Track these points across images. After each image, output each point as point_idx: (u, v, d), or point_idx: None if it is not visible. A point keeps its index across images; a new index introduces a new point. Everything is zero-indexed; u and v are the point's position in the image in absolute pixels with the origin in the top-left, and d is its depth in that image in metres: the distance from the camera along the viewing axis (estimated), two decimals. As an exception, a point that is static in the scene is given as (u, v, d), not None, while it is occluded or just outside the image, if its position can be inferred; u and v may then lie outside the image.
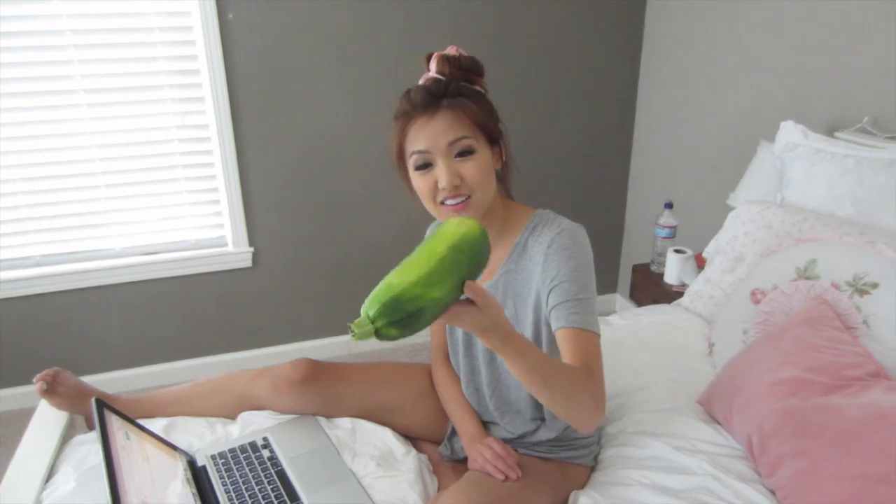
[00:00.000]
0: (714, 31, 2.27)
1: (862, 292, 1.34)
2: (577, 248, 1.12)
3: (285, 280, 2.57)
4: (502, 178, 1.24)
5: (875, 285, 1.33)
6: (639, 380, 1.51)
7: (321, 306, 2.64)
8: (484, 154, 1.13)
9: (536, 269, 1.15)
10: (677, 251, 2.11)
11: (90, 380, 2.42)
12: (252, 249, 2.47)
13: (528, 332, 1.20)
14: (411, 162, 1.13)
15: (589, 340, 1.06)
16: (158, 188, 2.32)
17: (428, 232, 1.39)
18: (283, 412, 1.39)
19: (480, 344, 1.31)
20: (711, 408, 1.38)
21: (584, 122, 2.70)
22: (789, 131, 1.80)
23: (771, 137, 1.89)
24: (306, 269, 2.58)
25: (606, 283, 3.01)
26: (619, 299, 2.99)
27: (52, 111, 2.13)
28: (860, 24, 1.76)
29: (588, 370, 1.02)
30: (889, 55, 1.69)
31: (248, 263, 2.50)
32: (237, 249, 2.46)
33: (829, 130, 1.82)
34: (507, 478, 1.16)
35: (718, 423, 1.35)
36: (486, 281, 1.23)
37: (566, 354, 1.05)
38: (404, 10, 2.32)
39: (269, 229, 2.48)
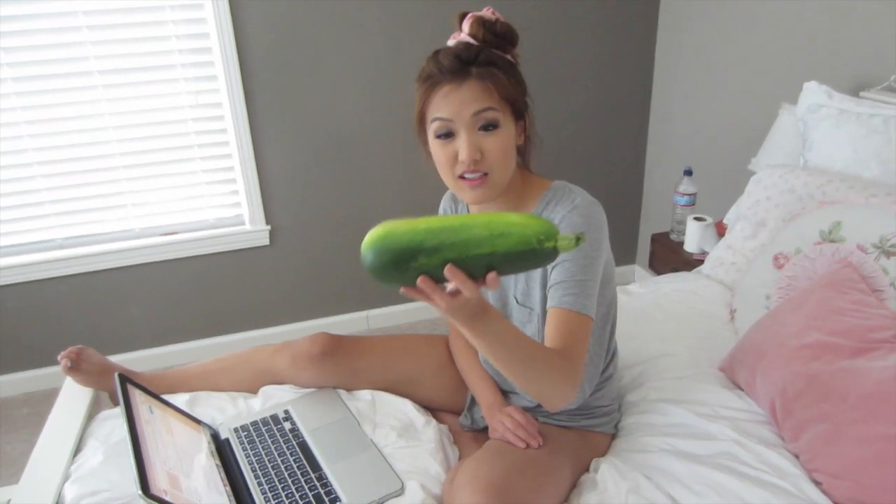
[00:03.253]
0: (733, -8, 2.21)
1: (889, 254, 1.31)
2: (586, 227, 1.10)
3: (303, 257, 2.58)
4: (523, 151, 1.21)
5: (902, 246, 1.29)
6: (660, 347, 1.50)
7: (339, 283, 2.65)
8: (508, 129, 1.09)
9: None
10: (697, 219, 2.08)
11: (114, 360, 2.50)
12: (269, 227, 2.48)
13: (537, 308, 1.19)
14: (432, 128, 1.09)
15: (578, 323, 1.05)
16: (175, 168, 2.33)
17: (442, 204, 1.38)
18: (303, 386, 1.40)
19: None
20: (734, 373, 1.37)
21: (601, 89, 2.65)
22: (813, 92, 1.75)
23: (793, 99, 1.84)
24: (323, 245, 2.59)
25: (625, 255, 2.98)
26: (639, 270, 2.96)
27: (67, 94, 2.14)
28: (886, -22, 1.70)
29: (567, 352, 1.01)
30: (917, 9, 1.63)
31: (266, 241, 2.51)
32: (254, 228, 2.46)
33: (855, 90, 1.77)
34: (528, 445, 1.16)
35: (741, 389, 1.33)
36: None
37: (550, 333, 1.04)
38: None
39: (285, 207, 2.48)
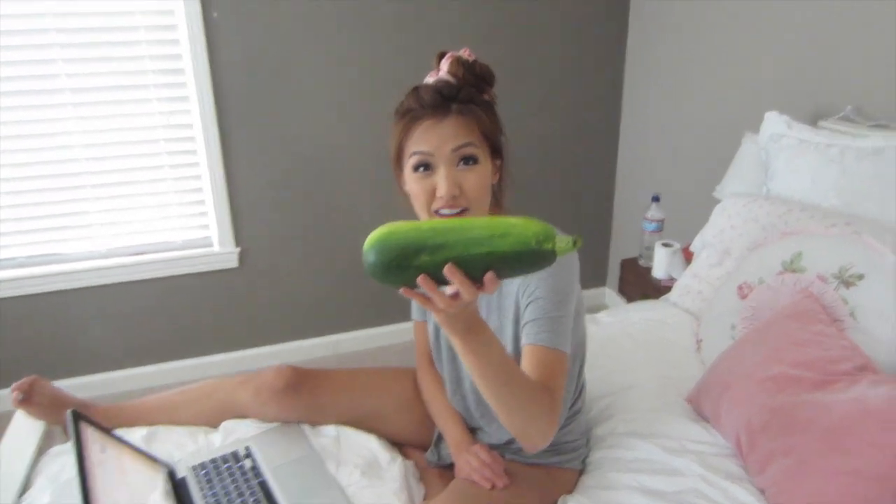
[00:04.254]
0: (698, 24, 2.25)
1: (848, 284, 1.33)
2: (558, 265, 1.10)
3: (272, 280, 2.54)
4: (496, 190, 1.20)
5: (861, 276, 1.32)
6: (628, 378, 1.50)
7: (308, 307, 2.62)
8: (486, 166, 1.09)
9: (517, 284, 1.13)
10: (665, 245, 2.10)
11: (76, 382, 2.44)
12: (238, 250, 2.44)
13: (509, 346, 1.18)
14: (411, 162, 1.08)
15: (554, 359, 1.05)
16: (144, 188, 2.29)
17: None
18: (266, 420, 1.36)
19: None
20: (700, 405, 1.37)
21: (571, 117, 2.68)
22: (773, 122, 1.78)
23: (756, 128, 1.87)
24: (293, 269, 2.56)
25: (595, 278, 3.00)
26: (609, 292, 2.98)
27: (37, 110, 2.10)
28: (842, 13, 1.75)
29: (548, 388, 1.00)
30: (871, 43, 1.68)
31: (235, 264, 2.47)
32: (223, 250, 2.43)
33: (814, 120, 1.81)
34: (494, 486, 1.14)
35: (707, 421, 1.34)
36: None
37: (527, 371, 1.03)
38: (395, 11, 2.29)
39: (255, 229, 2.45)
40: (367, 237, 0.78)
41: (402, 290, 0.79)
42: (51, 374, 2.37)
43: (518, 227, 0.76)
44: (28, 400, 1.33)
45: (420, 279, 0.77)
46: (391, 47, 2.31)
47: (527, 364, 1.05)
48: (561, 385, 1.05)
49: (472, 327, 0.85)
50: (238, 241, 2.44)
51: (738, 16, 2.08)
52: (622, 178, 2.82)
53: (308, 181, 2.45)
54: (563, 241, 0.77)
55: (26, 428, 1.34)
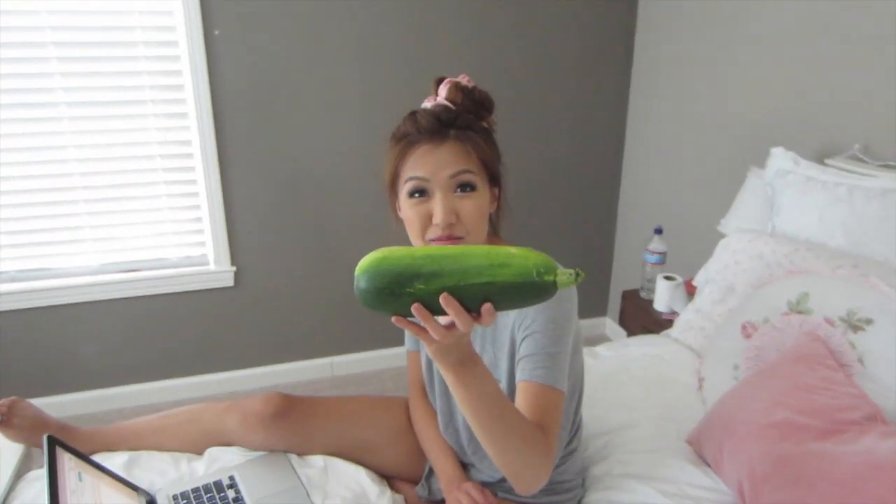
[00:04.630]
0: (704, 57, 2.25)
1: (856, 328, 1.29)
2: (556, 298, 1.07)
3: (268, 300, 2.51)
4: (493, 219, 1.18)
5: (869, 321, 1.28)
6: (627, 416, 1.45)
7: (304, 327, 2.58)
8: (484, 193, 1.07)
9: (513, 316, 1.10)
10: (667, 278, 2.06)
11: (67, 399, 2.40)
12: (234, 269, 2.41)
13: (503, 380, 1.15)
14: (406, 188, 1.06)
15: (550, 398, 1.01)
16: (139, 204, 2.27)
17: None
18: (253, 448, 1.32)
19: None
20: (701, 448, 1.33)
21: (574, 146, 2.66)
22: (780, 158, 1.76)
23: (761, 163, 1.85)
24: (289, 289, 2.52)
25: (596, 308, 2.96)
26: (609, 322, 2.94)
27: (33, 124, 2.08)
28: (851, 50, 1.73)
29: (542, 428, 0.96)
30: (880, 81, 1.66)
31: (231, 283, 2.44)
32: (219, 268, 2.39)
33: (820, 157, 1.79)
34: (484, 525, 1.10)
35: (708, 465, 1.29)
36: None
37: (521, 409, 0.99)
38: (397, 30, 2.28)
39: (252, 248, 2.42)
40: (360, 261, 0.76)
41: (394, 319, 0.76)
42: (42, 390, 2.36)
43: (518, 257, 0.74)
44: (6, 422, 1.28)
45: (414, 308, 0.74)
46: (392, 68, 2.30)
47: (521, 402, 1.02)
48: (556, 425, 1.01)
49: (465, 360, 0.82)
50: (234, 260, 2.41)
51: (745, 48, 2.07)
52: (625, 209, 2.79)
53: (306, 201, 2.42)
54: (564, 273, 0.74)
55: (4, 451, 1.29)
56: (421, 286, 0.73)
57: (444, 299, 0.73)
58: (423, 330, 0.76)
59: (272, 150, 2.32)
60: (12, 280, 2.23)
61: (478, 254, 0.74)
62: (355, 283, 0.75)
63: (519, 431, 0.91)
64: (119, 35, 2.06)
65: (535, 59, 2.48)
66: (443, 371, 0.83)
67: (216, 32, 2.11)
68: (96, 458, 1.30)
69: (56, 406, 2.36)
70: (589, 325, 2.93)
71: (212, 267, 2.39)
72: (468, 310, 0.75)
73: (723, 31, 2.15)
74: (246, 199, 2.35)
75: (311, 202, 2.43)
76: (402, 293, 0.74)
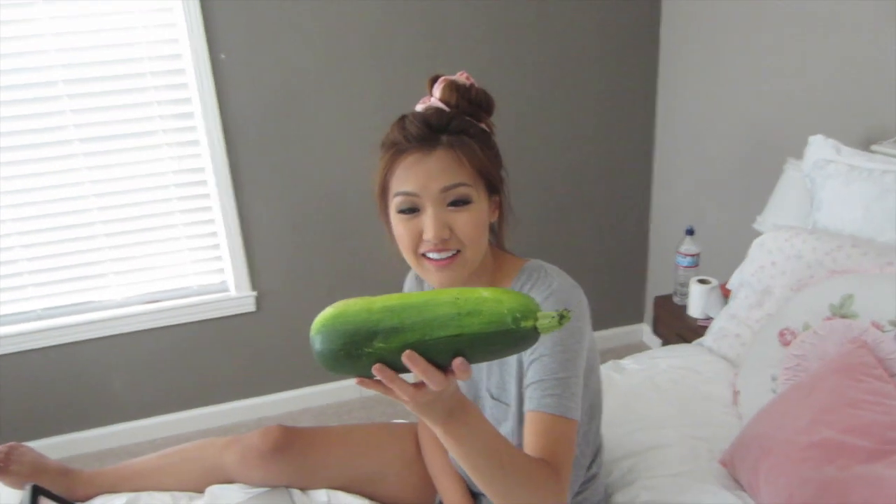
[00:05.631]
0: (734, 44, 2.10)
1: (909, 333, 1.15)
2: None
3: (291, 324, 2.47)
4: (496, 229, 1.09)
5: (924, 324, 1.14)
6: (655, 437, 1.34)
7: (330, 350, 2.53)
8: (481, 205, 0.98)
9: None
10: (701, 281, 1.93)
11: (93, 434, 2.41)
12: (255, 293, 2.39)
13: (513, 405, 1.06)
14: (394, 203, 0.98)
15: (561, 428, 0.92)
16: (157, 234, 2.26)
17: (407, 283, 1.26)
18: (254, 485, 1.26)
19: None
20: (735, 469, 1.20)
21: (602, 149, 2.54)
22: (819, 146, 1.61)
23: (799, 154, 1.71)
24: (313, 311, 2.40)
25: (631, 315, 2.81)
26: (647, 330, 2.79)
27: (47, 163, 2.09)
28: (890, 24, 1.58)
29: (552, 465, 0.87)
30: (927, 57, 1.51)
31: (252, 308, 2.41)
32: (240, 294, 2.37)
33: (865, 144, 1.63)
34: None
35: (744, 490, 1.17)
36: None
37: (530, 441, 0.91)
38: (410, 35, 2.22)
39: (272, 272, 2.39)
40: (361, 296, 0.70)
41: (357, 382, 0.69)
42: (71, 426, 2.38)
43: (489, 302, 0.65)
44: (4, 469, 1.26)
45: (375, 369, 0.66)
46: (407, 75, 2.24)
47: (530, 434, 0.93)
48: (569, 459, 0.91)
49: (454, 412, 0.74)
50: (255, 286, 2.38)
51: (775, 32, 1.92)
52: (658, 210, 2.65)
53: (326, 221, 2.38)
54: (546, 317, 0.66)
55: (3, 498, 1.27)
56: (381, 344, 0.65)
57: (406, 358, 0.65)
58: (389, 391, 0.69)
59: (287, 170, 2.29)
60: (38, 318, 2.25)
61: (444, 301, 0.66)
62: (311, 343, 0.68)
63: (524, 477, 0.83)
64: (127, 67, 2.06)
65: (556, 59, 2.38)
66: (430, 426, 0.75)
67: (222, 56, 2.10)
68: (97, 500, 1.26)
69: (86, 441, 2.39)
70: (625, 332, 2.79)
71: (232, 293, 2.37)
72: (439, 365, 0.67)
73: (751, 17, 2.00)
74: (263, 221, 2.32)
75: (331, 220, 2.39)
76: (360, 354, 0.66)
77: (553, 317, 0.66)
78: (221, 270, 2.36)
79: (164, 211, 2.24)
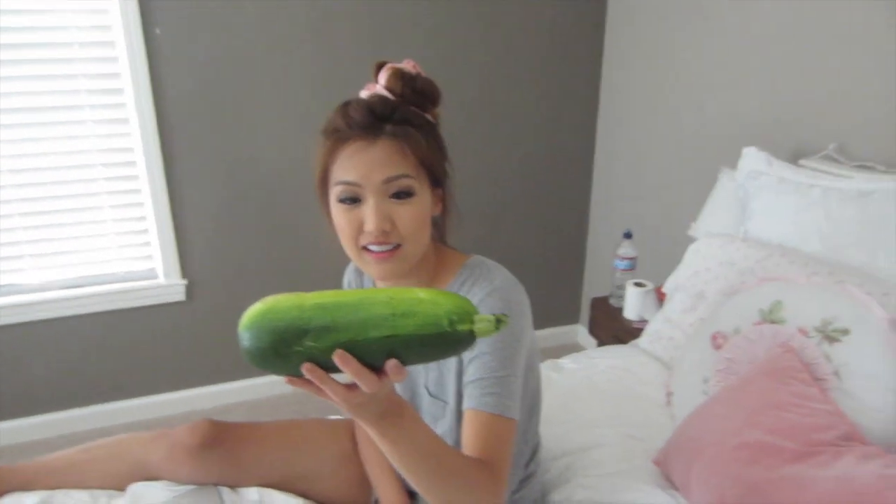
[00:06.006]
0: (676, 56, 2.16)
1: (832, 339, 1.21)
2: (508, 313, 0.96)
3: (223, 314, 2.37)
4: (439, 223, 1.07)
5: (846, 331, 1.20)
6: (591, 436, 1.36)
7: (263, 342, 2.46)
8: (423, 198, 0.96)
9: None
10: (637, 284, 1.97)
11: (10, 426, 2.25)
12: (185, 282, 2.29)
13: (451, 402, 1.05)
14: (335, 192, 0.95)
15: (499, 427, 0.91)
16: (80, 216, 2.13)
17: (346, 277, 1.23)
18: (181, 482, 1.20)
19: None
20: (669, 469, 1.23)
21: (543, 148, 2.57)
22: (752, 158, 1.68)
23: (733, 164, 1.77)
24: (247, 300, 2.31)
25: (567, 316, 2.86)
26: (582, 330, 2.84)
27: (-43, 133, 1.94)
28: (824, 46, 1.66)
29: (489, 465, 0.87)
30: (854, 79, 1.59)
31: (182, 297, 2.31)
32: (169, 282, 2.26)
33: (794, 158, 1.71)
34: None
35: (676, 490, 1.20)
36: None
37: (469, 440, 0.90)
38: (354, 21, 2.17)
39: (204, 260, 2.30)
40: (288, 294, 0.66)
41: (287, 381, 0.66)
42: (-25, 417, 2.22)
43: (425, 304, 0.64)
44: None
45: (305, 368, 0.64)
46: (348, 63, 2.19)
47: (468, 432, 0.92)
48: (507, 459, 0.91)
49: (387, 413, 0.72)
50: (185, 273, 2.28)
51: (718, 47, 1.99)
52: (596, 212, 2.70)
53: (261, 207, 2.30)
54: (482, 321, 0.65)
55: None
56: (311, 343, 0.63)
57: (338, 358, 0.63)
58: (318, 390, 0.66)
59: (222, 154, 2.20)
60: (-56, 300, 2.08)
61: (379, 301, 0.64)
62: (238, 339, 0.64)
63: (461, 479, 0.82)
64: (51, 36, 1.93)
65: (501, 57, 2.38)
66: (364, 427, 0.73)
67: (157, 31, 1.99)
68: (6, 499, 1.18)
69: (0, 433, 2.23)
70: (561, 333, 2.84)
71: (161, 280, 2.26)
72: (372, 366, 0.65)
73: (695, 29, 2.07)
74: (196, 207, 2.22)
75: (267, 208, 2.31)
76: (289, 353, 0.63)
77: (490, 321, 0.65)
78: (150, 257, 2.25)
79: (88, 192, 2.11)
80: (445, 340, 0.64)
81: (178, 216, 2.20)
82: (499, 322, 0.65)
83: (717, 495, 1.06)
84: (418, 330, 0.63)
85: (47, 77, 1.97)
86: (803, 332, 1.24)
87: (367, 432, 0.75)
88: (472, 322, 0.64)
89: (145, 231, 2.21)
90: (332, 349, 0.63)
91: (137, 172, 2.13)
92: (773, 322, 1.30)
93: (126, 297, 2.25)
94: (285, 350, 0.63)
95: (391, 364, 0.65)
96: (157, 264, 2.25)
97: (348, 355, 0.63)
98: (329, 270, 2.23)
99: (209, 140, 2.17)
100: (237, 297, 2.36)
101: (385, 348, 0.64)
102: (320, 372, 0.65)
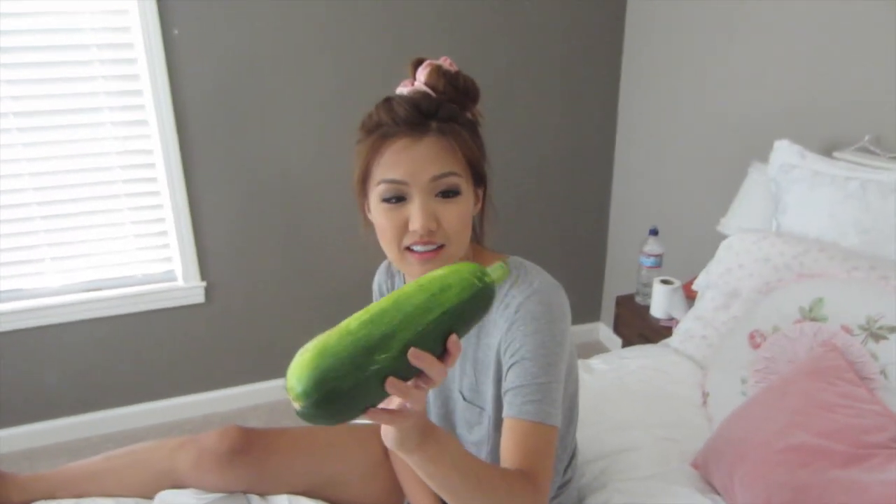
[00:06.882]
0: (700, 45, 2.12)
1: (877, 337, 1.17)
2: (548, 318, 0.93)
3: (242, 316, 2.36)
4: (477, 224, 1.04)
5: (893, 329, 1.16)
6: (625, 438, 1.32)
7: (282, 343, 2.41)
8: (468, 197, 0.93)
9: (499, 336, 0.96)
10: (664, 282, 1.93)
11: (28, 430, 2.25)
12: (204, 284, 2.27)
13: (489, 407, 1.02)
14: (378, 190, 0.91)
15: (541, 436, 0.88)
16: (99, 219, 2.12)
17: (376, 280, 1.20)
18: (209, 490, 1.18)
19: (435, 409, 1.12)
20: (708, 472, 1.20)
21: (562, 146, 2.53)
22: (785, 151, 1.63)
23: (763, 157, 1.72)
24: (265, 304, 2.38)
25: (588, 314, 2.83)
26: (603, 328, 2.80)
27: (-24, 137, 1.93)
28: (858, 35, 1.61)
29: (531, 475, 0.84)
30: (889, 67, 1.54)
31: (201, 299, 2.29)
32: (188, 284, 2.25)
33: (827, 150, 1.66)
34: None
35: (717, 494, 1.16)
36: None
37: (509, 450, 0.87)
38: (374, 22, 2.14)
39: (223, 262, 2.28)
40: (297, 363, 0.62)
41: (368, 416, 0.64)
42: (0, 422, 2.20)
43: (449, 276, 0.69)
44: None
45: (388, 384, 0.62)
46: (368, 65, 2.16)
47: (508, 441, 0.89)
48: (549, 468, 0.88)
49: (426, 431, 0.72)
50: (204, 275, 2.26)
51: (743, 37, 1.94)
52: (618, 209, 2.66)
53: (280, 209, 2.28)
54: (494, 270, 0.71)
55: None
56: (382, 356, 0.61)
57: (413, 355, 0.63)
58: (398, 412, 0.66)
59: (241, 155, 2.18)
60: (-35, 304, 2.08)
61: (412, 293, 0.67)
62: (304, 403, 0.60)
63: (502, 492, 0.79)
64: (69, 38, 1.91)
65: (521, 56, 2.35)
66: (406, 455, 0.73)
67: (175, 32, 1.97)
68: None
69: (16, 438, 2.23)
70: (581, 331, 2.80)
71: (180, 283, 2.25)
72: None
73: (719, 19, 2.02)
74: (215, 209, 2.21)
75: (286, 209, 2.29)
76: (366, 376, 0.61)
77: (497, 268, 0.72)
78: (169, 259, 2.24)
79: (107, 194, 2.09)
80: (483, 297, 0.69)
81: (196, 218, 2.19)
82: (502, 267, 0.72)
83: (764, 500, 1.02)
84: (460, 297, 0.67)
85: (66, 79, 1.96)
86: (847, 329, 1.20)
87: (412, 464, 0.74)
88: (488, 274, 0.70)
89: (164, 233, 2.19)
90: (402, 352, 0.63)
91: (156, 174, 2.11)
92: (814, 320, 1.26)
93: (145, 299, 2.23)
94: (361, 375, 0.61)
95: (453, 340, 0.66)
96: (176, 266, 2.23)
97: (420, 351, 0.63)
98: (348, 271, 2.22)
99: (228, 141, 2.15)
100: (256, 299, 2.36)
101: (442, 329, 0.65)
102: (402, 384, 0.63)
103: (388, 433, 0.70)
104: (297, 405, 0.61)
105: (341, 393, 0.60)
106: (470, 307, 0.68)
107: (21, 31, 1.88)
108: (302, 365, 0.61)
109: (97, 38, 1.94)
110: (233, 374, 2.43)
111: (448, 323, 0.66)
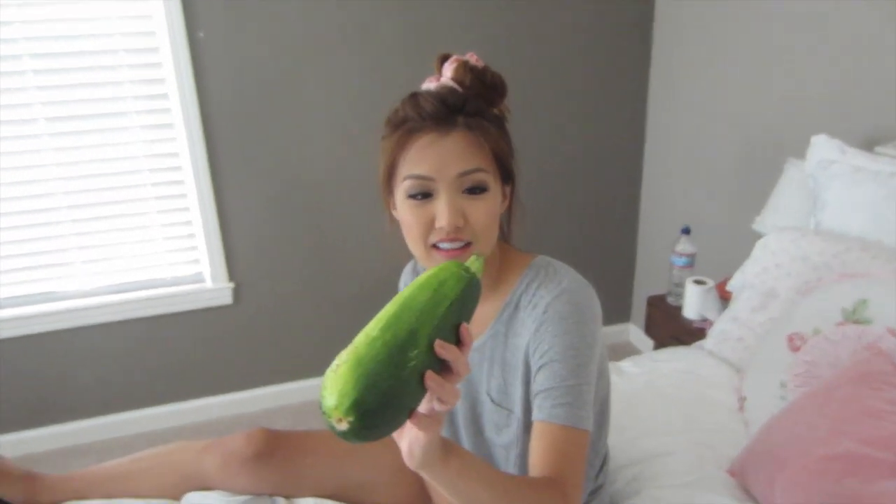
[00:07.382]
0: (730, 42, 2.06)
1: (926, 340, 1.11)
2: (577, 318, 0.91)
3: (271, 316, 2.37)
4: (504, 222, 1.03)
5: (942, 332, 1.10)
6: (659, 443, 1.28)
7: (310, 344, 2.44)
8: (496, 194, 0.92)
9: (527, 337, 0.94)
10: (697, 282, 1.88)
11: (61, 430, 2.28)
12: (232, 285, 2.28)
13: (517, 409, 0.99)
14: (404, 186, 0.90)
15: (572, 440, 0.86)
16: (128, 222, 2.14)
17: (402, 280, 1.18)
18: (235, 492, 1.18)
19: (462, 411, 1.10)
20: (747, 480, 1.15)
21: (591, 144, 2.49)
22: (823, 146, 1.57)
23: (799, 153, 1.67)
24: (292, 304, 2.38)
25: (618, 315, 2.78)
26: (634, 329, 2.75)
27: (10, 142, 1.96)
28: (895, 24, 1.55)
29: (561, 481, 0.82)
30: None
31: (229, 300, 2.30)
32: (216, 285, 2.26)
33: (866, 145, 1.60)
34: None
35: (754, 502, 1.12)
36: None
37: (539, 455, 0.85)
38: (397, 22, 2.13)
39: (251, 263, 2.29)
40: (331, 387, 0.60)
41: (412, 422, 0.65)
42: (35, 421, 2.24)
43: (441, 272, 0.71)
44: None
45: (427, 378, 0.63)
46: (392, 64, 2.15)
47: (538, 446, 0.86)
48: (579, 473, 0.85)
49: (447, 445, 0.72)
50: (232, 276, 2.27)
51: (777, 28, 1.88)
52: (648, 208, 2.60)
53: (306, 210, 2.28)
54: (472, 263, 0.74)
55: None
56: (415, 352, 0.62)
57: (439, 347, 0.64)
58: (434, 416, 0.66)
59: (268, 157, 2.18)
60: (0, 308, 2.11)
61: (415, 291, 0.68)
62: (354, 416, 0.58)
63: (532, 502, 0.78)
64: (96, 43, 1.93)
65: (548, 54, 2.31)
66: (436, 471, 0.72)
67: (201, 35, 1.98)
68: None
69: (49, 438, 2.27)
70: (612, 332, 2.75)
71: (209, 284, 2.26)
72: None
73: (750, 12, 1.96)
74: (242, 210, 2.21)
75: (312, 210, 2.29)
76: (406, 375, 0.61)
77: (474, 261, 0.75)
78: (197, 261, 2.25)
79: (135, 197, 2.12)
80: (475, 286, 0.72)
81: (224, 219, 2.20)
82: (477, 259, 0.75)
83: (807, 510, 0.98)
84: (459, 287, 0.69)
85: (93, 84, 1.98)
86: (893, 333, 1.15)
87: (435, 482, 0.73)
88: (467, 268, 0.72)
89: (192, 235, 2.21)
90: (429, 347, 0.64)
91: (183, 177, 2.12)
92: (857, 322, 1.21)
93: (173, 301, 2.25)
94: (402, 374, 0.61)
95: (464, 327, 0.68)
96: (205, 268, 2.25)
97: (445, 342, 0.65)
98: (374, 271, 2.21)
99: (254, 143, 2.15)
100: (283, 300, 2.36)
101: (451, 320, 0.67)
102: (440, 378, 0.63)
103: (412, 451, 0.69)
104: (343, 424, 0.58)
105: (390, 396, 0.60)
106: (467, 296, 0.70)
107: (49, 37, 1.90)
108: (342, 377, 0.59)
109: (123, 42, 1.95)
110: (261, 375, 2.44)
111: (457, 313, 0.68)
